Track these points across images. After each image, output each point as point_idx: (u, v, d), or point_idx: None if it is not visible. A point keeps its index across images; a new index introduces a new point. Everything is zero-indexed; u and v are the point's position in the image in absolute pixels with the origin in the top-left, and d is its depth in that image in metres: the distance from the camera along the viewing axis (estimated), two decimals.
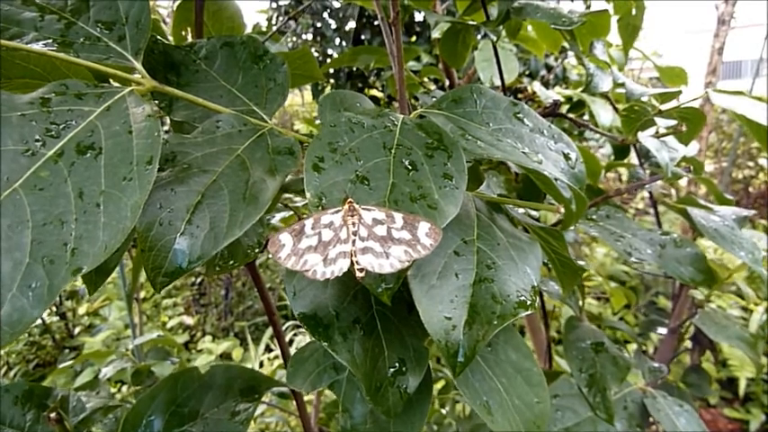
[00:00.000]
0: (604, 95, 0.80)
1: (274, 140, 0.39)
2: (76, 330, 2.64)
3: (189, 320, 2.91)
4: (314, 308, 0.34)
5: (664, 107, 0.66)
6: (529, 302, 0.33)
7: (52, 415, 0.55)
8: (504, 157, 0.36)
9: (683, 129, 0.53)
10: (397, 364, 0.35)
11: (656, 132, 0.56)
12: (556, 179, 0.38)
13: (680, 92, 0.67)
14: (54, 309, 2.48)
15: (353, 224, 0.30)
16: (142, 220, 0.32)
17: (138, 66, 0.39)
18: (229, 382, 0.59)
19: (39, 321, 2.45)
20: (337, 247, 0.30)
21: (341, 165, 0.33)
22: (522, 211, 0.47)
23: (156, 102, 0.44)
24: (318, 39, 3.28)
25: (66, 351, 2.50)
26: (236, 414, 0.57)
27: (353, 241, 0.30)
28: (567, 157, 0.41)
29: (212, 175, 0.36)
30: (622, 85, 0.77)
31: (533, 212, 0.72)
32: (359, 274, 0.30)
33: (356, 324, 0.34)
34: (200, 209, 0.34)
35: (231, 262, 0.56)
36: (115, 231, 0.30)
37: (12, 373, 2.39)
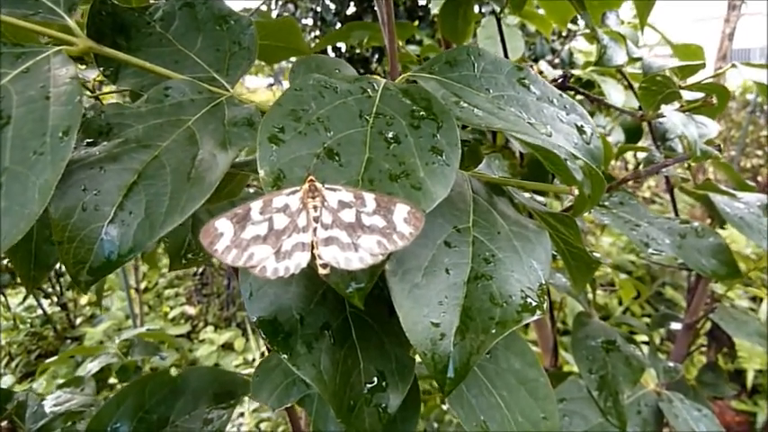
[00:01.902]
0: (619, 72, 0.73)
1: (232, 111, 0.33)
2: (78, 321, 2.61)
3: (191, 310, 2.87)
4: (274, 311, 0.28)
5: (684, 82, 0.60)
6: (535, 304, 0.27)
7: (3, 424, 0.50)
8: (507, 128, 0.29)
9: (714, 101, 0.47)
10: (375, 379, 0.29)
11: (681, 107, 0.49)
12: (567, 158, 0.32)
13: (703, 65, 0.61)
14: (55, 299, 2.45)
15: (315, 208, 0.24)
16: (59, 205, 0.26)
17: (72, 23, 0.33)
18: (203, 386, 0.54)
19: (40, 312, 2.43)
20: (294, 238, 0.24)
21: (305, 136, 0.27)
22: (527, 195, 0.41)
23: (102, 69, 0.38)
24: (318, 23, 3.20)
25: (68, 341, 2.48)
26: (208, 422, 0.52)
27: (315, 230, 0.24)
28: (581, 130, 0.34)
29: (154, 150, 0.29)
30: (638, 60, 0.70)
31: (539, 198, 0.66)
32: (322, 271, 0.24)
33: (325, 330, 0.28)
34: (134, 191, 0.28)
35: (201, 254, 0.50)
36: (18, 218, 0.24)
37: (14, 364, 2.37)
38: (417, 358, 0.33)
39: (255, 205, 0.24)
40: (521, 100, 0.34)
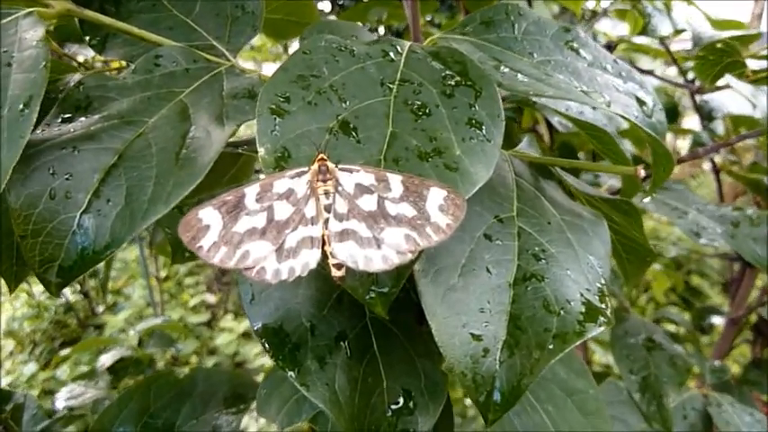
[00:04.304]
0: (662, 44, 0.67)
1: (232, 82, 0.28)
2: (100, 309, 2.62)
3: (211, 299, 2.87)
4: (280, 318, 0.23)
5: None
6: (598, 310, 0.22)
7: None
8: (559, 96, 0.24)
9: None
10: (400, 399, 0.24)
11: (747, 77, 0.44)
12: (632, 124, 0.27)
13: (759, 34, 0.54)
14: (78, 287, 2.46)
15: (326, 194, 0.19)
16: (21, 192, 0.22)
17: None
18: (211, 389, 0.50)
19: (62, 300, 2.45)
20: (300, 231, 0.19)
21: (315, 107, 0.22)
22: (573, 180, 0.35)
23: (88, 38, 0.34)
24: (336, 9, 3.15)
25: (91, 329, 2.49)
26: (217, 428, 0.48)
27: (326, 221, 0.19)
28: (640, 101, 0.29)
29: (139, 127, 0.25)
30: (683, 31, 0.64)
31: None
32: (335, 273, 0.19)
33: (341, 341, 0.24)
34: (113, 175, 0.23)
35: None
36: None
37: (38, 351, 2.39)
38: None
39: (251, 191, 0.19)
40: (570, 66, 0.29)
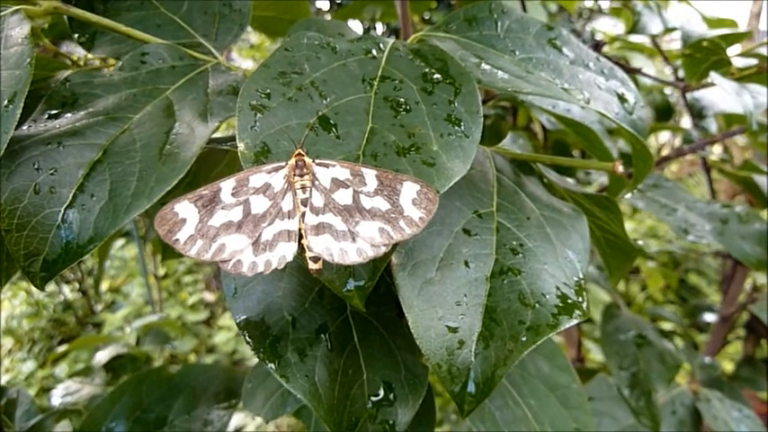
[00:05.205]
0: (653, 43, 0.68)
1: (217, 79, 0.28)
2: (98, 307, 2.62)
3: (209, 297, 2.87)
4: (261, 311, 0.24)
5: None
6: (573, 303, 0.22)
7: None
8: (538, 93, 0.25)
9: None
10: (381, 391, 0.24)
11: (732, 74, 0.44)
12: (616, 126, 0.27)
13: (750, 33, 0.55)
14: (77, 285, 2.47)
15: (303, 188, 0.20)
16: (6, 187, 0.22)
17: None
18: (203, 384, 0.50)
19: (62, 298, 2.45)
20: (277, 225, 0.20)
21: (296, 103, 0.23)
22: (556, 175, 0.36)
23: (77, 36, 0.34)
24: (335, 8, 3.14)
25: (89, 327, 2.49)
26: (208, 423, 0.48)
27: (303, 215, 0.20)
28: (621, 98, 0.29)
29: (124, 123, 0.25)
30: (673, 29, 0.64)
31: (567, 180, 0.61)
32: (312, 266, 0.19)
33: (321, 334, 0.24)
34: (98, 170, 0.23)
35: None
36: None
37: (36, 349, 2.39)
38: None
39: (226, 185, 0.20)
40: (552, 63, 0.29)
